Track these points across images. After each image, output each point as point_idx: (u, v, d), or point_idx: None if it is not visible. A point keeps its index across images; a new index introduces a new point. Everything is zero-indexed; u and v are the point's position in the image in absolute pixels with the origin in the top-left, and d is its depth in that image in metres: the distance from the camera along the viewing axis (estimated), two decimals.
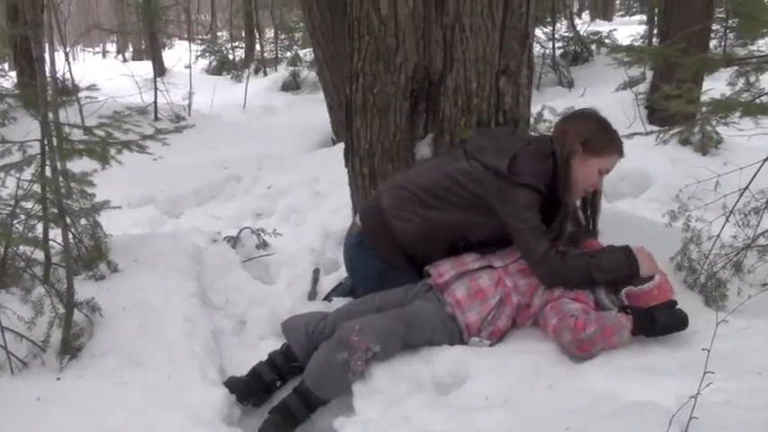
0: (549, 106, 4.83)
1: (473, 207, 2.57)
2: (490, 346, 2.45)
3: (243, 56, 15.36)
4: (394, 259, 2.72)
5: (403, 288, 2.62)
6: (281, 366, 2.51)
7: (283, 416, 2.30)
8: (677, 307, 2.34)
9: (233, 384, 2.41)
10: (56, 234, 2.62)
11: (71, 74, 8.19)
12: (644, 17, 13.43)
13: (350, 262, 2.89)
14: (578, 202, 2.73)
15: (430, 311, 2.45)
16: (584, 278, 2.47)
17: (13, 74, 9.15)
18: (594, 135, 2.55)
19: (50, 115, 2.53)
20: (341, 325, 2.39)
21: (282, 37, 14.97)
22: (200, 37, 18.04)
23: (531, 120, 3.16)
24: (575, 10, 19.22)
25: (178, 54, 14.62)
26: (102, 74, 11.77)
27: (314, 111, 8.89)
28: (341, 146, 3.50)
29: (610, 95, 7.63)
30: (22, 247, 2.58)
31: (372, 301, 2.58)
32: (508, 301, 2.47)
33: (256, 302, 3.07)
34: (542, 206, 2.55)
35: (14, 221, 2.52)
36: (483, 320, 2.44)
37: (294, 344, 2.53)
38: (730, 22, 9.68)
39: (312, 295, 3.29)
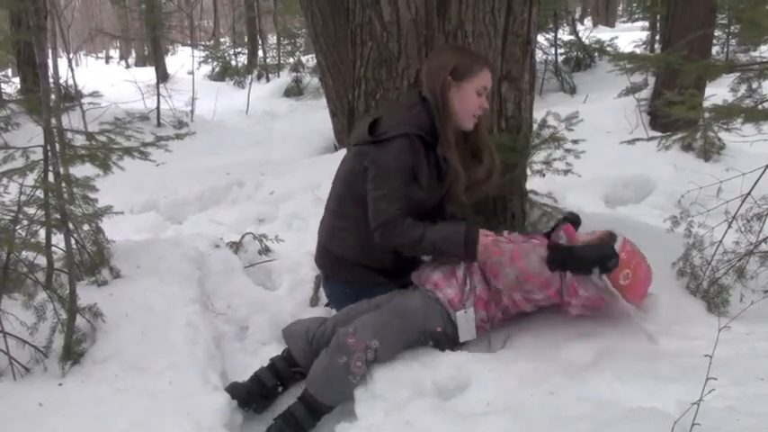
0: (553, 112, 4.82)
1: None
2: (484, 324, 2.50)
3: (245, 62, 15.37)
4: (359, 278, 2.75)
5: (396, 291, 2.67)
6: (283, 372, 2.52)
7: (288, 424, 2.30)
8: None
9: (235, 390, 2.42)
10: (58, 240, 2.62)
11: (74, 80, 8.19)
12: (646, 23, 13.40)
13: (329, 296, 2.98)
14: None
15: (415, 298, 2.51)
16: (414, 249, 2.54)
17: (17, 80, 9.19)
18: (458, 61, 2.58)
19: (53, 121, 2.53)
20: (337, 331, 2.40)
21: (285, 43, 14.98)
22: (202, 43, 18.09)
23: (535, 125, 3.16)
24: (577, 16, 19.23)
25: (181, 60, 14.64)
26: (105, 80, 11.83)
27: (316, 116, 8.90)
28: (343, 152, 3.50)
29: (612, 101, 7.63)
30: (24, 253, 2.58)
31: (369, 304, 2.60)
32: (474, 269, 2.52)
33: (258, 308, 3.07)
34: (432, 161, 2.57)
35: (17, 227, 2.52)
36: (462, 291, 2.48)
37: (294, 349, 2.54)
38: (732, 28, 9.73)
39: (314, 301, 3.29)
